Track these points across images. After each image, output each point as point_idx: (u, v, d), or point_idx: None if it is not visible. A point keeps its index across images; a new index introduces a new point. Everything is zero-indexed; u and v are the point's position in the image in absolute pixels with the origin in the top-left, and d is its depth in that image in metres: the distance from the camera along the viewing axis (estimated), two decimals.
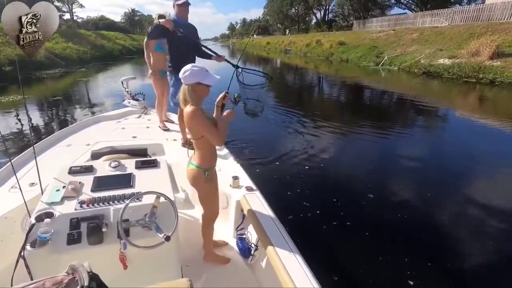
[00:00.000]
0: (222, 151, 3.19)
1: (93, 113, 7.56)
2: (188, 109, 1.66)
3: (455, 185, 4.08)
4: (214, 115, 1.86)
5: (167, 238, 1.50)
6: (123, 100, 4.91)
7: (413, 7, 33.59)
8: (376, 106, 9.58)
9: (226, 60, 3.05)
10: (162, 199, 1.62)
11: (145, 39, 3.80)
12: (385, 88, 12.04)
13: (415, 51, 16.81)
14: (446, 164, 4.76)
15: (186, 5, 3.15)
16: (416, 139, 6.10)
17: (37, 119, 7.45)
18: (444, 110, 8.73)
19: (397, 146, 5.69)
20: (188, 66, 1.65)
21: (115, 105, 8.04)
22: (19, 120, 7.21)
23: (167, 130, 3.83)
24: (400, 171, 4.61)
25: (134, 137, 3.46)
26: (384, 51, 19.02)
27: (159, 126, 3.92)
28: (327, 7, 46.71)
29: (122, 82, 4.95)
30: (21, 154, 2.68)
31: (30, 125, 5.55)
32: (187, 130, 1.84)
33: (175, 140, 3.50)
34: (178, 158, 2.83)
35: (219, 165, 2.82)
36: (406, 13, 31.69)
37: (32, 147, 1.97)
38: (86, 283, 0.78)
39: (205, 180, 1.83)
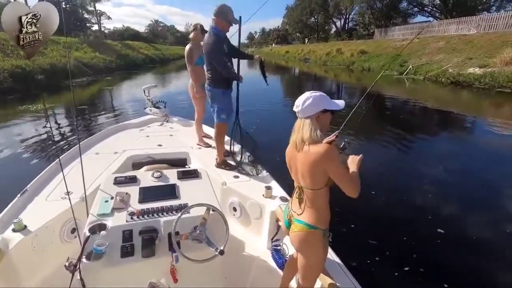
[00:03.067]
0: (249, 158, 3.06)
1: (117, 120, 7.68)
2: (322, 147, 1.29)
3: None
4: None
5: (221, 252, 1.50)
6: (145, 108, 4.97)
7: (437, 15, 32.63)
8: (410, 118, 9.15)
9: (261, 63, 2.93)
10: (211, 211, 1.62)
11: (190, 49, 3.54)
12: (416, 99, 11.45)
13: (441, 60, 16.20)
14: None
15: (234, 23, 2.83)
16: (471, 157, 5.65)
17: (64, 127, 7.65)
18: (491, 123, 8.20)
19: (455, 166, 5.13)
20: (305, 95, 1.37)
21: (137, 112, 8.23)
22: (45, 129, 7.42)
23: (209, 147, 3.54)
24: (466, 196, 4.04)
25: (160, 145, 3.46)
26: (408, 60, 18.48)
27: (198, 144, 3.61)
28: (347, 16, 46.47)
29: (144, 90, 5.02)
30: (50, 166, 2.68)
31: (52, 135, 5.80)
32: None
33: (199, 148, 3.51)
34: (203, 166, 2.80)
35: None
36: (430, 21, 30.81)
37: (78, 146, 1.99)
38: None
39: (324, 244, 1.41)
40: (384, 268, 2.67)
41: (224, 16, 2.72)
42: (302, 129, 1.37)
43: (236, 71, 2.88)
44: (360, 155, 1.49)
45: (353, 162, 1.47)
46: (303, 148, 1.36)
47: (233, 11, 2.76)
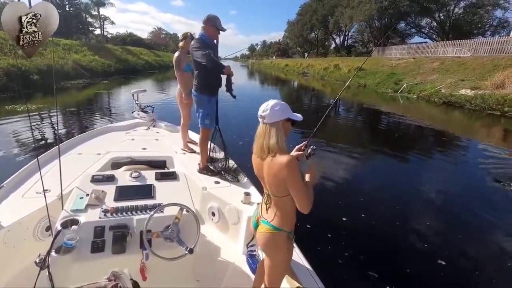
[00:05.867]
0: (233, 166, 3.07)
1: (104, 122, 7.61)
2: (285, 158, 1.33)
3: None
4: None
5: (191, 251, 1.53)
6: (133, 112, 5.03)
7: (434, 36, 33.54)
8: (405, 136, 9.27)
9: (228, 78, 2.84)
10: (184, 211, 1.66)
11: (178, 56, 3.60)
12: (409, 116, 11.65)
13: (435, 80, 16.53)
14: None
15: (221, 30, 2.96)
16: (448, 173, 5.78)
17: (49, 127, 7.59)
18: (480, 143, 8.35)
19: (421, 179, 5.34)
20: (272, 102, 1.40)
21: (126, 115, 8.25)
22: (34, 128, 7.37)
23: (193, 152, 3.55)
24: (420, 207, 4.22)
25: (144, 148, 3.47)
26: (403, 79, 18.83)
27: (182, 149, 3.63)
28: (347, 33, 47.45)
29: (132, 95, 5.07)
30: (30, 163, 2.65)
31: (32, 134, 5.82)
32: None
33: (184, 153, 3.52)
34: (187, 171, 2.81)
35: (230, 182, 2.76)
36: (426, 42, 31.60)
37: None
38: None
39: (288, 246, 1.46)
40: (352, 274, 2.70)
41: (213, 23, 2.86)
42: (268, 135, 1.39)
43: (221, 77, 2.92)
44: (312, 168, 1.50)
45: (311, 171, 1.50)
46: (267, 157, 1.39)
47: (220, 21, 2.91)
